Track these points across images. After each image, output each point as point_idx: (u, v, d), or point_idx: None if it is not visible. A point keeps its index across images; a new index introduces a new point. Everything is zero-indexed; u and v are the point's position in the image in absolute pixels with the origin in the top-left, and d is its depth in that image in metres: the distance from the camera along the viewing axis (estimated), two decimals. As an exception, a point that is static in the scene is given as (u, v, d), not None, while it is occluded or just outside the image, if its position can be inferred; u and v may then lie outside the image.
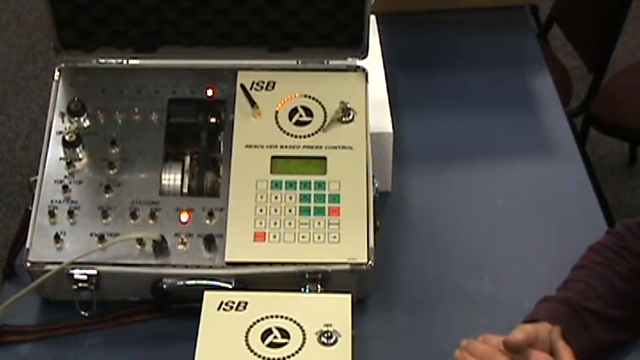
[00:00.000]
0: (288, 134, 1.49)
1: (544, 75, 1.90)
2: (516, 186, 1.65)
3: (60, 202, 1.43)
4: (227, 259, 1.39)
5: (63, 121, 1.49)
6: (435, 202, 1.62)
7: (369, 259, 1.38)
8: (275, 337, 1.28)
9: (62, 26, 1.52)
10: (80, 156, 1.47)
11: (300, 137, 1.49)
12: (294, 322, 1.29)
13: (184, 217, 1.42)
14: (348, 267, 1.38)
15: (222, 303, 1.31)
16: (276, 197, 1.43)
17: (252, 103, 1.52)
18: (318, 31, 1.54)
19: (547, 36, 2.71)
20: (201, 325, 1.29)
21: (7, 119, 3.17)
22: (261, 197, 1.43)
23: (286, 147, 1.48)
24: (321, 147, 1.48)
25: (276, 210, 1.42)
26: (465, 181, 1.66)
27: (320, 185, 1.45)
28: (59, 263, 1.37)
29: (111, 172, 1.46)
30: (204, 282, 1.38)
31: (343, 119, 1.50)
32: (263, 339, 1.27)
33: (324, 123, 1.50)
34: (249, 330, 1.28)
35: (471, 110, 1.80)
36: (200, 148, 1.50)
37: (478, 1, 2.04)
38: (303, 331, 1.28)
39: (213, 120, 1.52)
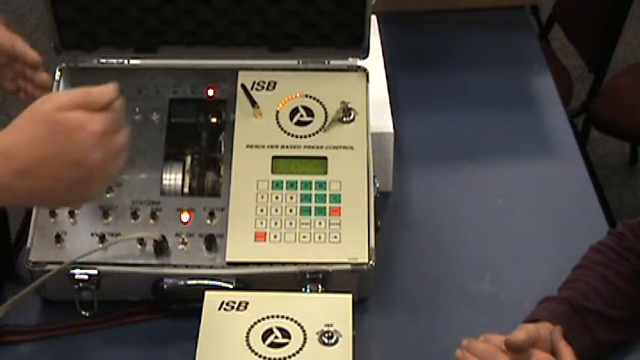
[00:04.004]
0: (288, 134, 1.49)
1: (545, 75, 1.90)
2: (517, 186, 1.65)
3: (61, 202, 1.43)
4: (228, 259, 1.39)
5: (64, 121, 1.49)
6: (435, 202, 1.62)
7: (369, 259, 1.38)
8: (276, 337, 1.27)
9: (63, 26, 1.51)
10: (81, 156, 1.47)
11: (301, 137, 1.49)
12: (295, 322, 1.29)
13: (185, 217, 1.42)
14: (348, 267, 1.38)
15: (222, 303, 1.31)
16: (277, 197, 1.43)
17: (253, 103, 1.51)
18: (318, 31, 1.53)
19: (548, 36, 2.71)
20: (202, 325, 1.28)
21: (8, 119, 3.12)
22: (262, 197, 1.43)
23: (287, 147, 1.48)
24: (321, 147, 1.48)
25: (277, 210, 1.42)
26: (466, 181, 1.66)
27: (321, 185, 1.44)
28: (60, 263, 1.37)
29: (112, 171, 1.46)
30: (205, 282, 1.38)
31: (344, 119, 1.50)
32: (264, 339, 1.27)
33: (324, 123, 1.50)
34: (249, 330, 1.28)
35: (471, 110, 1.80)
36: (201, 148, 1.49)
37: (479, 1, 2.04)
38: (303, 331, 1.28)
39: (214, 120, 1.52)
